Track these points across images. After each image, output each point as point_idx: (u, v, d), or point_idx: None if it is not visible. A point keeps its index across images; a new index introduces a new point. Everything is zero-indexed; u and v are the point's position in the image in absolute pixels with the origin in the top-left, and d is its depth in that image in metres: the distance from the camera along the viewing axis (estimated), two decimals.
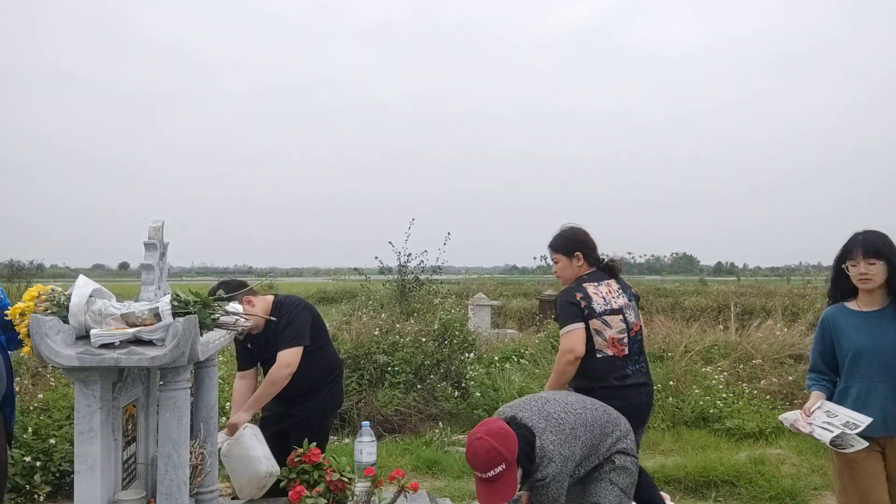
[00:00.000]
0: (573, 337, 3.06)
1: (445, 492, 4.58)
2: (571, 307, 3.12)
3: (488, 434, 2.35)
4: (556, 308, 3.23)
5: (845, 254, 2.80)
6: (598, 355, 3.12)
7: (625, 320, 3.20)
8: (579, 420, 2.65)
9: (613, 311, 3.16)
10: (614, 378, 3.12)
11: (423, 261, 9.54)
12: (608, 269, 3.33)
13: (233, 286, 3.28)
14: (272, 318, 3.23)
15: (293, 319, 3.27)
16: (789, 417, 2.93)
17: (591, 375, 3.12)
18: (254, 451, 3.02)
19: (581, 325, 3.08)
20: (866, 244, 2.72)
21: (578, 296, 3.14)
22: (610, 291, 3.22)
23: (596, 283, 3.22)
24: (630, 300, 3.29)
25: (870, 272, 2.70)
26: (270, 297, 3.42)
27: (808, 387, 2.98)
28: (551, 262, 3.36)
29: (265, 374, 3.45)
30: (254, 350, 3.43)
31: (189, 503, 2.34)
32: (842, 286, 2.87)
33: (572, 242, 3.27)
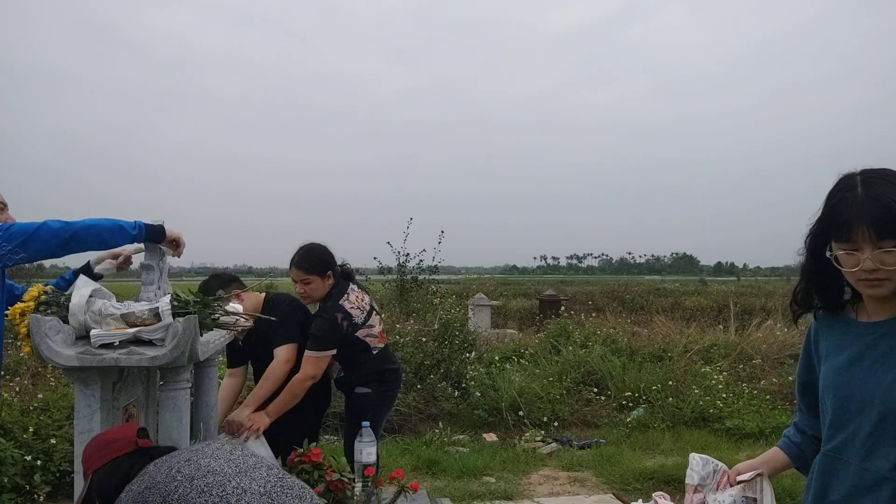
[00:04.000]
0: (321, 363, 3.19)
1: (445, 492, 4.58)
2: (334, 333, 3.21)
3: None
4: (317, 329, 3.20)
5: (831, 227, 1.43)
6: (374, 351, 3.34)
7: (378, 314, 3.45)
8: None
9: (370, 313, 3.35)
10: (392, 362, 3.47)
11: (421, 260, 9.54)
12: (346, 276, 3.41)
13: (224, 279, 3.33)
14: (271, 319, 3.23)
15: (286, 316, 3.28)
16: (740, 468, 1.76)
17: (377, 367, 3.36)
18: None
19: (332, 351, 3.22)
20: (877, 214, 1.33)
21: (339, 317, 3.22)
22: (357, 297, 3.34)
23: (346, 295, 3.30)
24: (367, 294, 3.49)
25: (886, 266, 1.35)
26: (262, 295, 3.43)
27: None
28: (296, 283, 3.28)
29: (255, 373, 3.46)
30: (245, 348, 3.42)
31: None
32: (825, 285, 1.53)
33: (323, 262, 3.25)
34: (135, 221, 2.51)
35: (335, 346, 3.24)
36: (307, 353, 3.19)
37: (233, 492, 1.16)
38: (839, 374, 1.48)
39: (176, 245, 2.65)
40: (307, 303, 3.35)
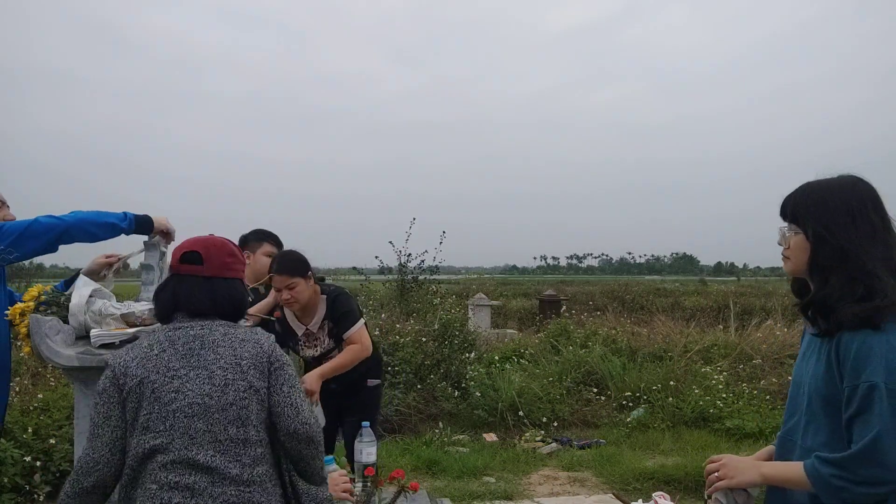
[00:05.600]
0: (366, 332, 3.31)
1: (445, 492, 4.58)
2: (357, 306, 3.38)
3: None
4: (346, 305, 3.27)
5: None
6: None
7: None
8: None
9: None
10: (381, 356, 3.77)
11: (423, 261, 9.52)
12: (321, 280, 3.44)
13: (260, 235, 3.46)
14: (271, 318, 3.27)
15: (350, 306, 3.32)
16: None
17: (378, 358, 3.59)
18: None
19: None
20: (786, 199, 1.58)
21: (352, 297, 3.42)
22: None
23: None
24: None
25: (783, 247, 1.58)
26: (266, 261, 3.41)
27: None
28: (281, 292, 3.13)
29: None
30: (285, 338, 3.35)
31: None
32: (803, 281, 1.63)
33: (302, 262, 3.18)
34: (124, 213, 2.52)
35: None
36: (353, 329, 3.23)
37: None
38: (796, 366, 1.64)
39: (166, 235, 2.65)
40: (293, 309, 3.25)
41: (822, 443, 1.47)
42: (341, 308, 3.25)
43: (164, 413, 1.65)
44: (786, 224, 1.57)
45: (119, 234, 2.53)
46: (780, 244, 1.59)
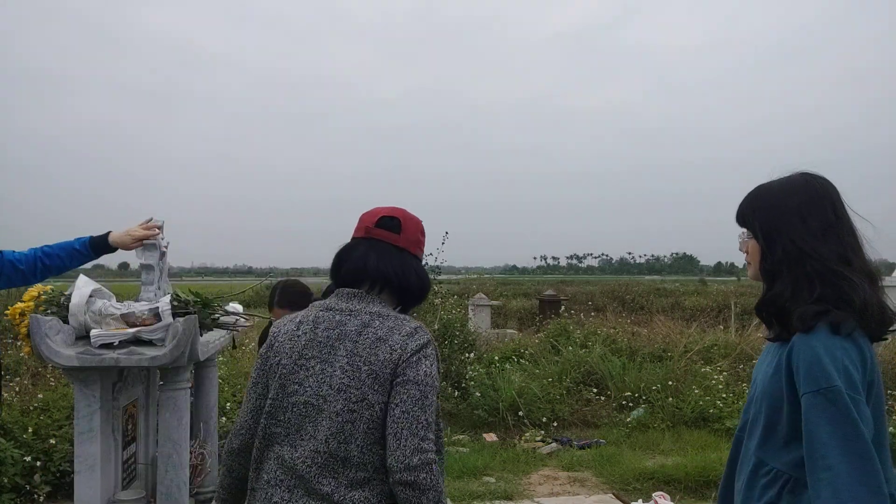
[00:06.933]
0: None
1: (445, 492, 4.58)
2: None
3: None
4: None
5: None
6: None
7: None
8: None
9: None
10: None
11: (426, 262, 9.52)
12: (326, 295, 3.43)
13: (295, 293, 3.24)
14: (270, 319, 3.27)
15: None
16: None
17: None
18: None
19: None
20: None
21: None
22: None
23: None
24: None
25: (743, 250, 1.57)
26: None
27: None
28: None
29: None
30: None
31: (189, 503, 2.34)
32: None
33: (305, 297, 3.17)
34: (80, 240, 2.55)
35: None
36: None
37: None
38: (756, 365, 1.57)
39: (142, 242, 2.52)
40: None
41: (757, 444, 1.43)
42: None
43: (285, 404, 1.54)
44: (743, 230, 1.54)
45: (84, 261, 2.58)
46: (741, 251, 1.56)
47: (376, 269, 1.61)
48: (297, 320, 1.62)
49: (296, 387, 1.53)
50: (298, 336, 1.57)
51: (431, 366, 1.53)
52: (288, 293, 3.17)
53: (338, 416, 1.48)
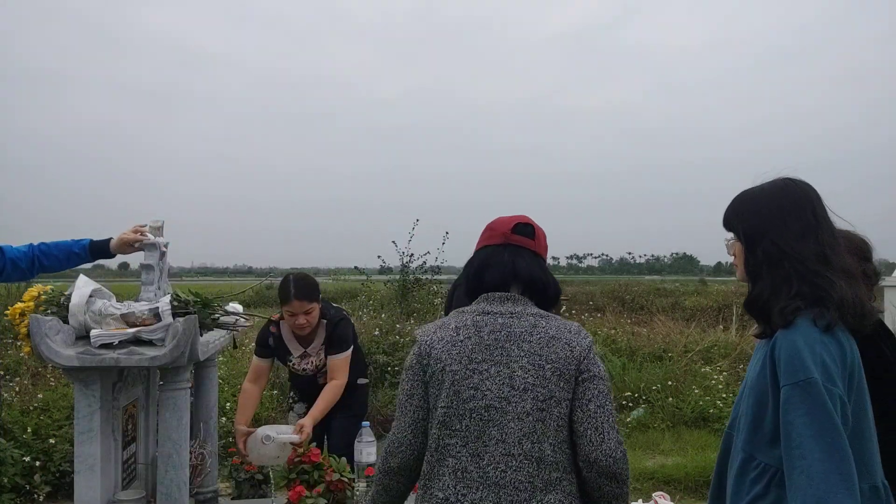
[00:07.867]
0: (347, 363, 3.30)
1: None
2: (353, 333, 3.41)
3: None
4: (342, 334, 3.28)
5: None
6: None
7: None
8: None
9: None
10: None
11: (425, 262, 9.51)
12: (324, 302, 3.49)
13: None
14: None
15: (347, 333, 3.33)
16: None
17: (363, 359, 3.71)
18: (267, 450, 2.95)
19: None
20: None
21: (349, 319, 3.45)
22: None
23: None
24: None
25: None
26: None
27: None
28: (296, 317, 3.13)
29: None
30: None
31: (189, 503, 2.34)
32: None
33: (317, 289, 3.24)
34: (79, 243, 2.55)
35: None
36: (339, 356, 3.25)
37: None
38: (750, 362, 1.62)
39: (138, 245, 2.51)
40: (304, 333, 3.24)
41: (745, 439, 1.47)
42: (339, 334, 3.28)
43: (462, 411, 1.51)
44: (730, 234, 1.59)
45: (81, 263, 2.58)
46: (729, 254, 1.61)
47: (525, 273, 1.65)
48: (452, 326, 1.61)
49: (472, 391, 1.52)
50: (461, 341, 1.57)
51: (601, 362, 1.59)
52: (303, 285, 3.16)
53: (528, 416, 1.48)
